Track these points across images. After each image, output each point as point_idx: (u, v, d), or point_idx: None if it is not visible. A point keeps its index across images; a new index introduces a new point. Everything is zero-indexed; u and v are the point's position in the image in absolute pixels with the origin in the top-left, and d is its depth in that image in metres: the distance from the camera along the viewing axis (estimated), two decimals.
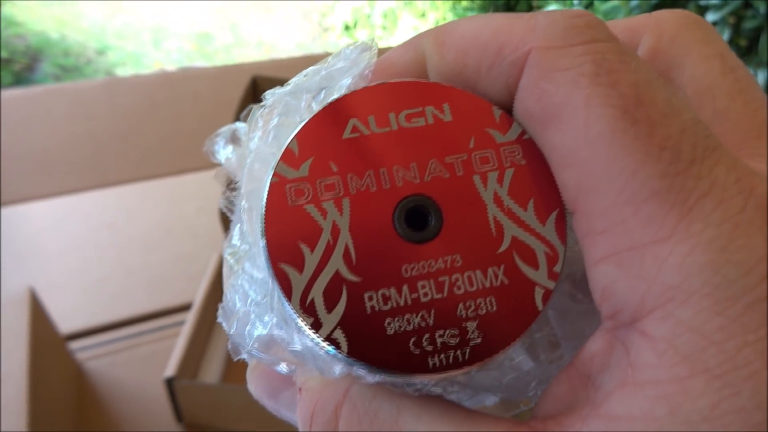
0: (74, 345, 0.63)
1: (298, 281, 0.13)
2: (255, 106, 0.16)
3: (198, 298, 0.60)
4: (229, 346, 0.16)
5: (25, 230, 0.75)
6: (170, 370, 0.53)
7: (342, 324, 0.13)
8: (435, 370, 0.13)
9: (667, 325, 0.11)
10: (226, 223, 0.65)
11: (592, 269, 0.13)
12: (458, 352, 0.13)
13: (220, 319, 0.16)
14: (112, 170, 0.82)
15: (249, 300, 0.15)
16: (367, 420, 0.13)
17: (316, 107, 0.15)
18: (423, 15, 2.15)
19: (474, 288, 0.14)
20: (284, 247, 0.14)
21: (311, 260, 0.14)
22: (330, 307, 0.13)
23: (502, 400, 0.16)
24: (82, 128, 0.86)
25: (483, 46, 0.14)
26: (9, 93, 0.91)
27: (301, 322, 0.13)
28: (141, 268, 0.71)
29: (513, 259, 0.14)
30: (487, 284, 0.14)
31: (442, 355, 0.13)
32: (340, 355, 0.13)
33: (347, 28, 2.13)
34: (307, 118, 0.15)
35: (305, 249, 0.14)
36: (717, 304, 0.11)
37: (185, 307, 0.64)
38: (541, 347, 0.15)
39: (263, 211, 0.14)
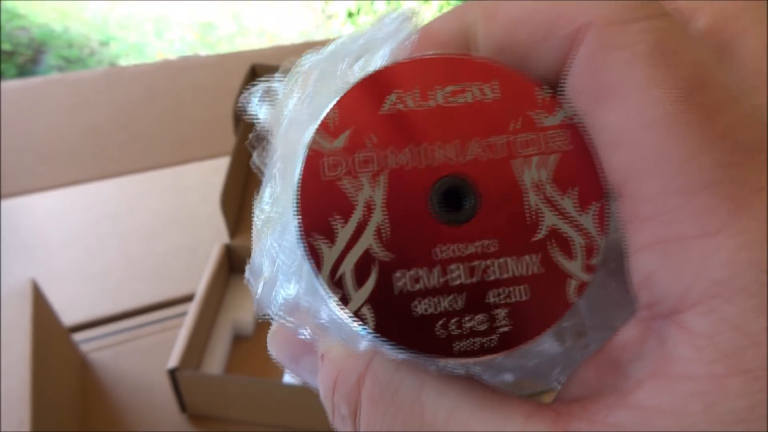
0: (78, 337, 0.63)
1: (329, 255, 0.13)
2: (292, 69, 0.16)
3: (200, 288, 0.60)
4: (255, 306, 0.16)
5: (27, 222, 0.75)
6: (173, 361, 0.53)
7: (370, 301, 0.13)
8: (460, 354, 0.13)
9: (709, 320, 0.11)
10: (227, 213, 0.65)
11: (634, 256, 0.12)
12: (485, 339, 0.13)
13: (247, 278, 0.16)
14: (113, 161, 0.82)
15: (277, 264, 0.15)
16: (389, 393, 0.13)
17: (356, 77, 0.15)
18: (427, 0, 2.12)
19: (507, 275, 0.13)
20: (316, 219, 0.13)
21: (343, 235, 0.13)
22: (359, 284, 0.13)
23: (517, 380, 0.16)
24: (83, 119, 0.86)
25: (536, 18, 0.13)
26: (9, 84, 0.91)
27: (328, 296, 0.13)
28: (143, 259, 0.71)
29: (549, 248, 0.13)
30: (521, 272, 0.13)
31: (469, 341, 0.13)
32: (366, 332, 0.13)
33: (350, 15, 2.12)
34: (346, 87, 0.14)
35: (337, 223, 0.13)
36: (764, 303, 0.10)
37: (188, 298, 0.63)
38: (569, 334, 0.15)
39: (298, 181, 0.14)
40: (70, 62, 1.78)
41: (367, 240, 0.13)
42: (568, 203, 0.14)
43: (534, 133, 0.14)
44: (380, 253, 0.13)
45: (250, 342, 0.63)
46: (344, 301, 0.13)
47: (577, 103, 0.13)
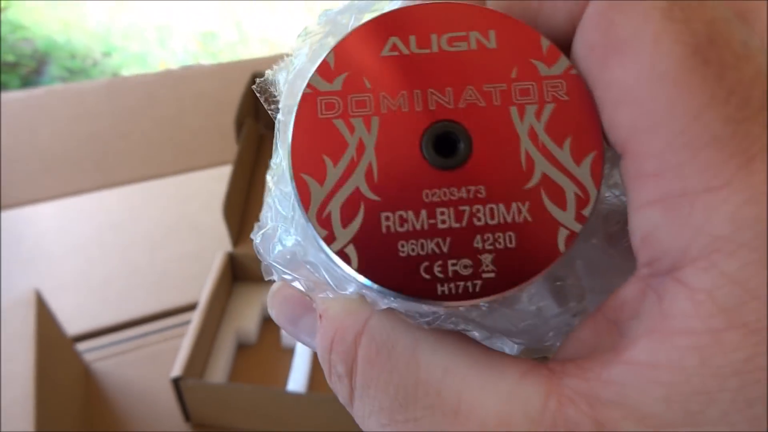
0: (81, 346, 0.63)
1: (318, 193, 0.13)
2: (307, 25, 0.16)
3: (203, 297, 0.60)
4: (262, 266, 0.16)
5: (30, 232, 0.75)
6: (177, 370, 0.53)
7: (355, 240, 0.13)
8: (443, 297, 0.13)
9: (709, 275, 0.11)
10: (230, 221, 0.65)
11: (636, 213, 0.12)
12: (469, 283, 0.13)
13: (252, 235, 0.16)
14: (115, 170, 0.82)
15: (278, 215, 0.15)
16: (386, 351, 0.13)
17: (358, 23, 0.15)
18: None
19: (495, 221, 0.13)
20: (308, 157, 0.14)
21: (333, 174, 0.14)
22: (345, 223, 0.13)
23: (521, 351, 0.16)
24: (85, 129, 0.86)
25: None
26: (12, 95, 0.92)
27: (315, 234, 0.13)
28: (146, 268, 0.71)
29: (540, 196, 0.13)
30: (509, 219, 0.13)
31: (452, 284, 0.13)
32: (349, 271, 0.13)
33: None
34: (346, 32, 0.14)
35: (328, 162, 0.14)
36: (765, 258, 0.10)
37: (191, 307, 0.63)
38: (568, 296, 0.15)
39: (293, 120, 0.14)
40: (73, 73, 1.79)
41: (357, 180, 0.13)
42: (563, 153, 0.13)
43: (533, 81, 0.14)
44: (369, 193, 0.13)
45: (254, 350, 0.63)
46: (330, 239, 0.13)
47: (585, 59, 0.13)
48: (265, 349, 0.63)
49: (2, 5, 1.81)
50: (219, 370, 0.59)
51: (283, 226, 0.15)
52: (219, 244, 0.68)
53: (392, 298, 0.13)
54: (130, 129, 0.87)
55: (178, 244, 0.73)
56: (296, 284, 0.16)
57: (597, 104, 0.13)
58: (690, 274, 0.11)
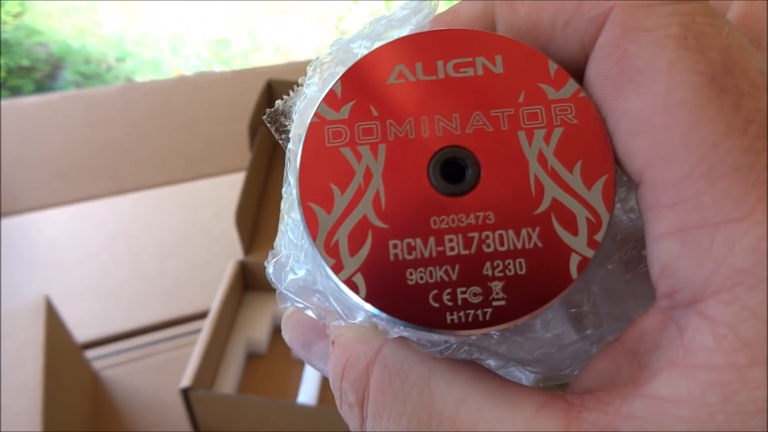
0: (90, 354, 0.63)
1: (325, 221, 0.13)
2: (320, 55, 0.16)
3: (214, 305, 0.59)
4: (276, 293, 0.16)
5: (41, 238, 0.75)
6: (186, 380, 0.52)
7: (363, 269, 0.13)
8: (453, 326, 0.13)
9: (731, 309, 0.11)
10: (242, 229, 0.64)
11: (654, 244, 0.12)
12: (479, 312, 0.13)
13: (266, 262, 0.16)
14: (127, 177, 0.82)
15: (290, 243, 0.15)
16: (398, 380, 0.13)
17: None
18: None
19: (504, 247, 0.13)
20: (315, 186, 0.14)
21: (340, 202, 0.13)
22: (353, 251, 0.13)
23: (538, 380, 0.16)
24: (99, 135, 0.86)
25: (560, 1, 0.13)
26: (26, 100, 0.92)
27: (323, 262, 0.13)
28: (157, 276, 0.71)
29: (551, 222, 0.13)
30: (519, 245, 0.13)
31: (462, 313, 0.13)
32: (357, 300, 0.13)
33: None
34: (353, 61, 0.14)
35: (336, 190, 0.14)
36: None
37: (201, 315, 0.63)
38: (585, 323, 0.15)
39: (300, 149, 0.14)
40: (87, 78, 1.80)
41: (364, 208, 0.13)
42: (573, 177, 0.13)
43: (541, 105, 0.14)
44: (376, 221, 0.13)
45: (264, 360, 0.62)
46: (338, 268, 0.13)
47: (599, 88, 0.13)
48: (276, 359, 0.62)
49: (18, 10, 1.83)
50: (229, 380, 0.58)
51: (295, 254, 0.15)
52: (231, 252, 0.67)
53: (402, 327, 0.13)
54: (144, 135, 0.87)
55: (190, 251, 0.73)
56: (308, 312, 0.15)
57: (612, 133, 0.13)
58: (712, 307, 0.11)
